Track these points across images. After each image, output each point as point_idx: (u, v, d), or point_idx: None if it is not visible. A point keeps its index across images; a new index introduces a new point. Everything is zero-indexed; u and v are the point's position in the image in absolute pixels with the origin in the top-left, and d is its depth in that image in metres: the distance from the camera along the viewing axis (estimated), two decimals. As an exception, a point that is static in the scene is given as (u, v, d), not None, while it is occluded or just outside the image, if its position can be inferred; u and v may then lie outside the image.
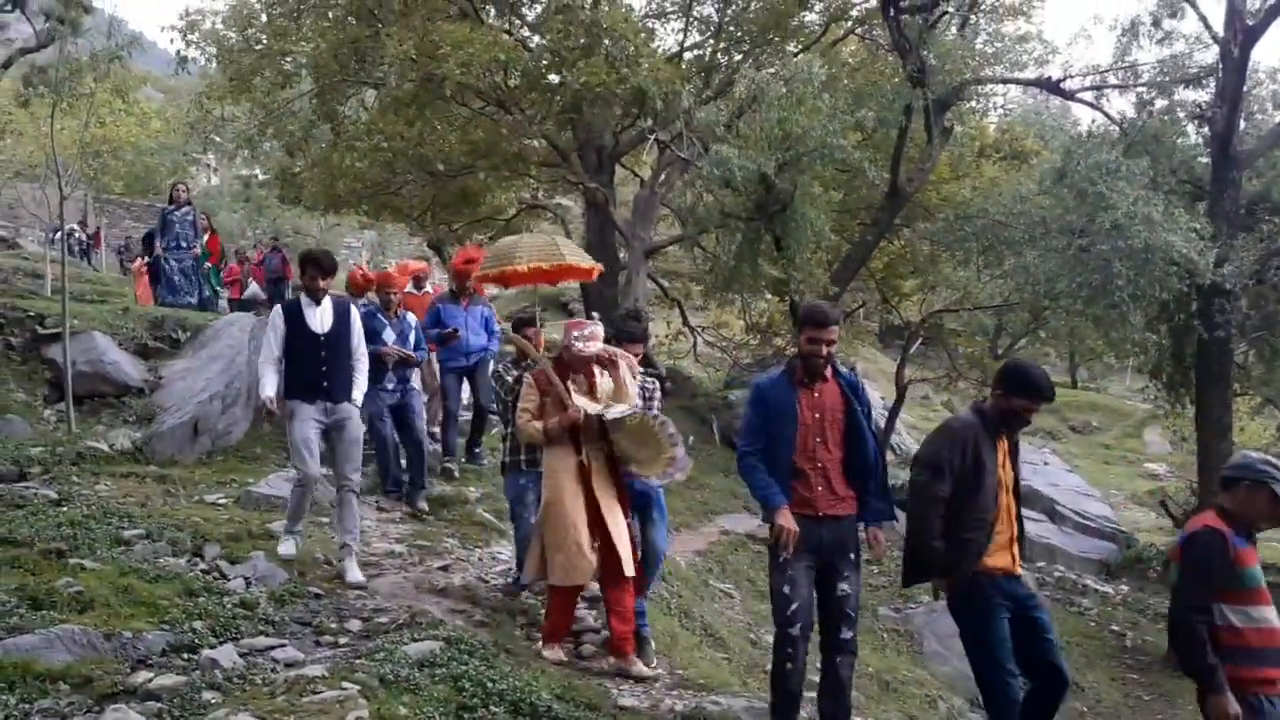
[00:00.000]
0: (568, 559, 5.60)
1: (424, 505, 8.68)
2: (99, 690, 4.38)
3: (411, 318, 8.95)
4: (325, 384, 6.44)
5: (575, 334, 5.89)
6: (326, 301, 6.52)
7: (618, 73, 12.05)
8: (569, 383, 5.84)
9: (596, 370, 5.92)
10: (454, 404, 9.76)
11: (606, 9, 13.07)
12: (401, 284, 8.50)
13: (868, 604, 11.13)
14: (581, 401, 5.76)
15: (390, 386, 8.62)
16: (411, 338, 8.80)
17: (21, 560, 5.63)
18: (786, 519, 4.76)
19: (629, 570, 5.69)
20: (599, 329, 5.96)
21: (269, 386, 6.41)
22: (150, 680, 4.48)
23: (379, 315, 8.65)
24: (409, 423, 8.73)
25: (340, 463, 6.54)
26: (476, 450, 10.19)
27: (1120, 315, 11.28)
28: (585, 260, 7.17)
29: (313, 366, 6.43)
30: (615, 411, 5.73)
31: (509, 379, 6.65)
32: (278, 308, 6.63)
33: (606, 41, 12.10)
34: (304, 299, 6.53)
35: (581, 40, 12.16)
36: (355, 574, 6.45)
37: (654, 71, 12.41)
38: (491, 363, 9.04)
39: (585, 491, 5.69)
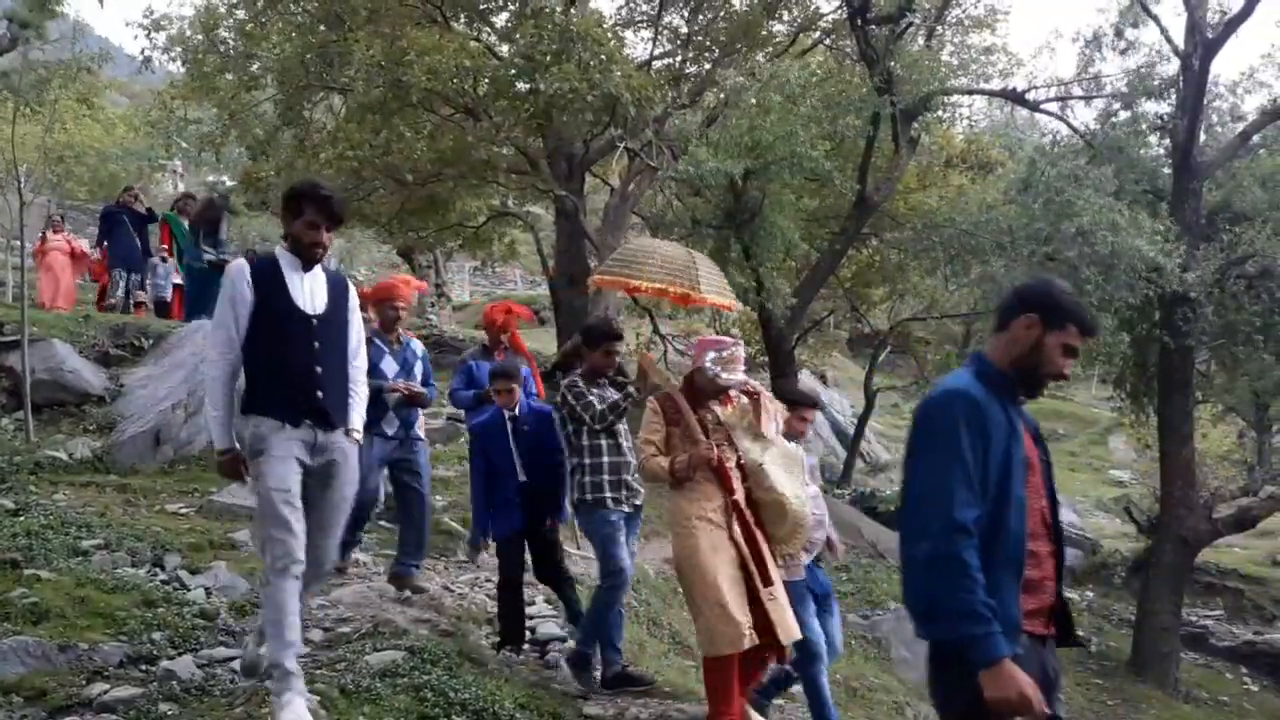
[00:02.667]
0: (710, 624, 4.70)
1: (424, 584, 6.71)
2: (53, 703, 4.32)
3: (418, 345, 6.95)
4: (319, 393, 4.13)
5: (713, 355, 4.98)
6: (319, 271, 4.30)
7: (590, 79, 12.03)
8: (701, 413, 5.01)
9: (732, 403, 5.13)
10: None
11: (578, 16, 13.06)
12: (408, 298, 6.83)
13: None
14: (745, 444, 4.94)
15: (390, 432, 6.55)
16: (418, 369, 6.71)
17: (-25, 571, 5.54)
18: (1029, 688, 2.58)
19: (784, 636, 4.83)
20: (741, 350, 5.06)
21: (224, 427, 4.11)
22: (106, 692, 4.43)
23: (378, 339, 6.54)
24: (410, 484, 6.68)
25: (313, 532, 4.14)
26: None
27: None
28: (723, 295, 5.79)
29: (299, 366, 4.13)
30: (776, 471, 4.88)
31: (574, 393, 5.61)
32: (240, 264, 4.23)
33: (579, 47, 12.08)
34: (286, 258, 4.21)
35: (554, 46, 12.13)
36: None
37: (626, 78, 12.41)
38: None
39: (730, 543, 4.80)
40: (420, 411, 6.87)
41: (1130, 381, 14.30)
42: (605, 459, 5.53)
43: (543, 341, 20.82)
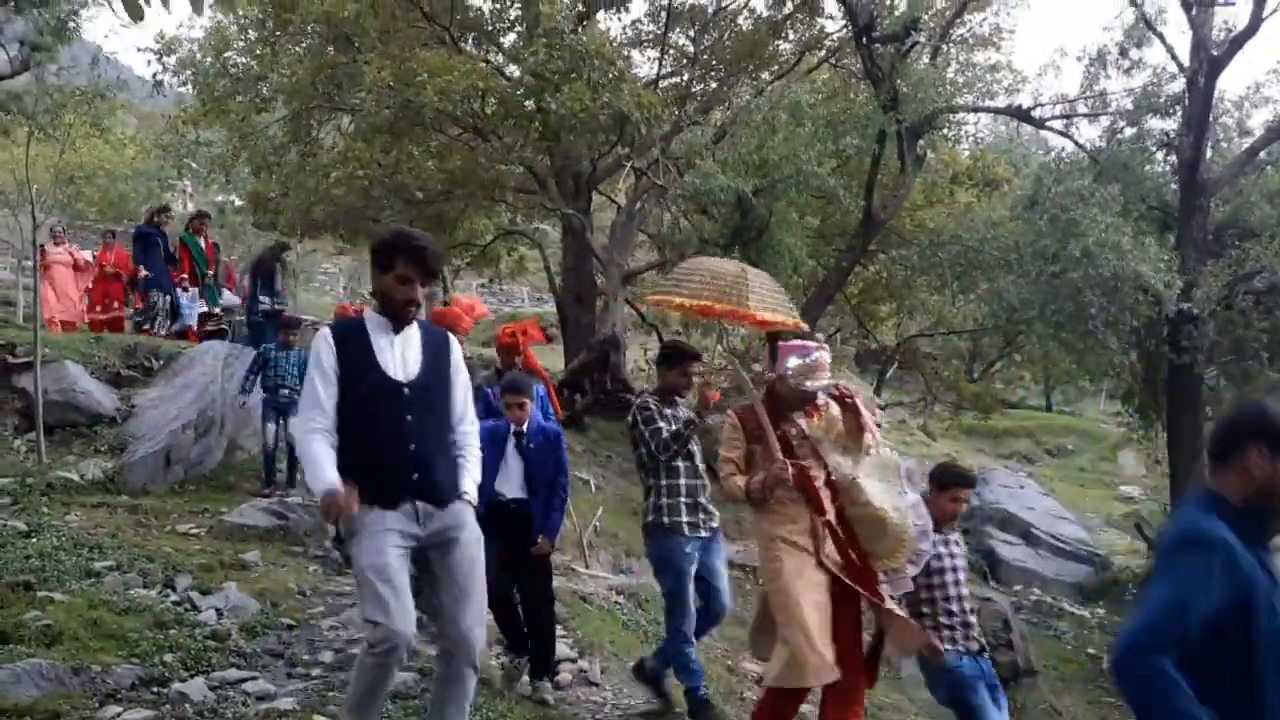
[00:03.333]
0: (791, 653, 4.30)
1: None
2: (66, 726, 4.33)
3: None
4: (415, 474, 3.69)
5: (795, 361, 4.59)
6: (414, 328, 3.82)
7: (600, 98, 12.11)
8: (786, 426, 4.59)
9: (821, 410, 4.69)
10: None
11: (585, 35, 13.17)
12: (466, 327, 6.47)
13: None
14: (835, 458, 4.53)
15: None
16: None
17: (-12, 593, 5.57)
18: None
19: (899, 648, 4.64)
20: (826, 355, 4.65)
21: (325, 469, 3.60)
22: (119, 715, 4.45)
23: None
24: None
25: (449, 606, 3.70)
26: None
27: (1098, 341, 11.43)
28: (777, 312, 5.21)
29: (391, 443, 3.69)
30: (871, 485, 4.49)
31: (643, 417, 5.34)
32: (324, 333, 3.83)
33: (590, 66, 12.18)
34: (374, 320, 3.80)
35: (564, 65, 12.23)
36: None
37: (636, 97, 12.49)
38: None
39: (818, 567, 4.43)
40: None
41: (1139, 397, 14.28)
42: (682, 481, 5.30)
43: (550, 358, 20.87)
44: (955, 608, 4.83)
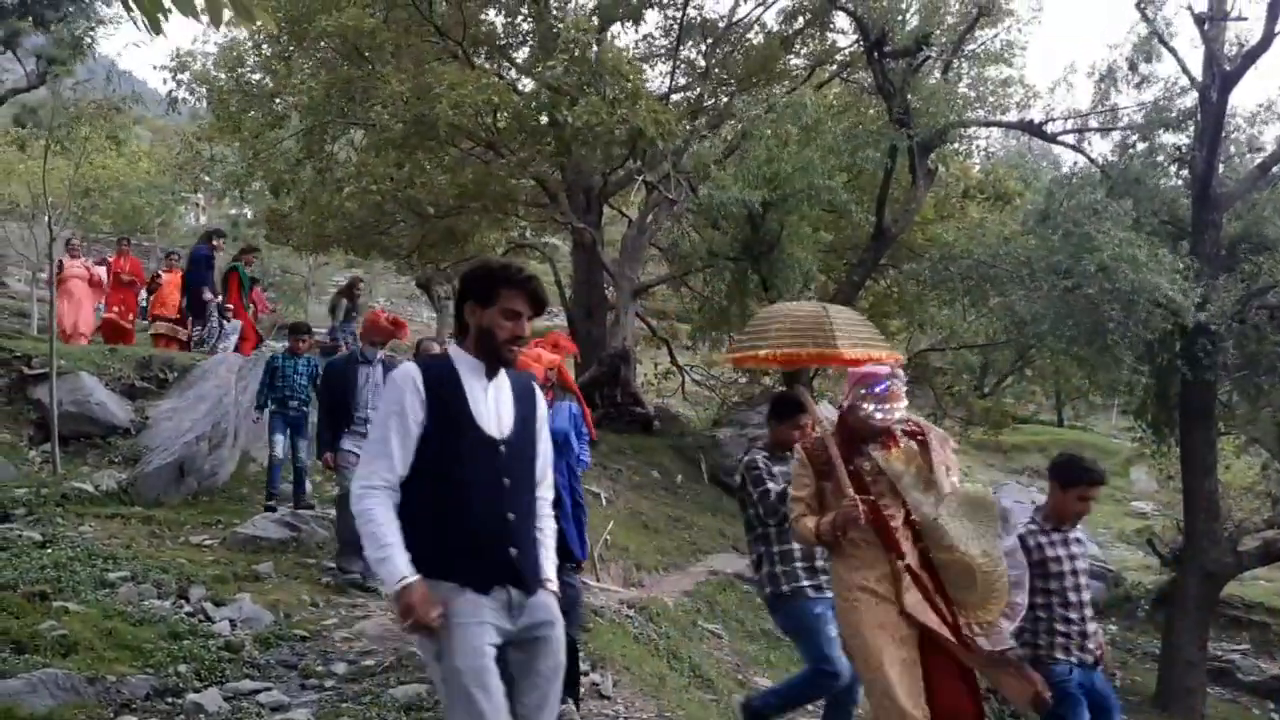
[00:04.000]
0: (876, 714, 4.03)
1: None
2: (82, 736, 4.35)
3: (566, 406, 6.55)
4: (514, 550, 3.09)
5: (864, 391, 4.16)
6: (503, 374, 3.25)
7: (616, 112, 12.18)
8: (859, 461, 4.17)
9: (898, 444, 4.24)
10: None
11: (601, 50, 13.24)
12: (553, 362, 6.20)
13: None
14: (915, 496, 4.10)
15: None
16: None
17: (5, 603, 5.60)
18: None
19: (1018, 700, 4.24)
20: (900, 384, 4.22)
21: (395, 553, 2.94)
22: (134, 725, 4.45)
23: None
24: None
25: (530, 712, 3.14)
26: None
27: (1114, 357, 11.40)
28: (869, 345, 4.66)
29: (487, 512, 3.09)
30: (958, 526, 4.06)
31: (751, 477, 4.98)
32: (409, 370, 3.16)
33: (606, 80, 12.25)
34: (465, 362, 3.17)
35: (581, 79, 12.31)
36: None
37: (652, 112, 12.55)
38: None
39: (901, 617, 4.00)
40: None
41: (1152, 412, 14.21)
42: (795, 545, 4.85)
43: (561, 372, 20.88)
44: (1074, 615, 4.52)
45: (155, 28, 3.40)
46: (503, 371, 3.21)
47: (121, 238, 16.97)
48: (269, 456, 9.35)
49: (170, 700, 4.83)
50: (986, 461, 25.55)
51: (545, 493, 3.31)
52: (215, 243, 14.23)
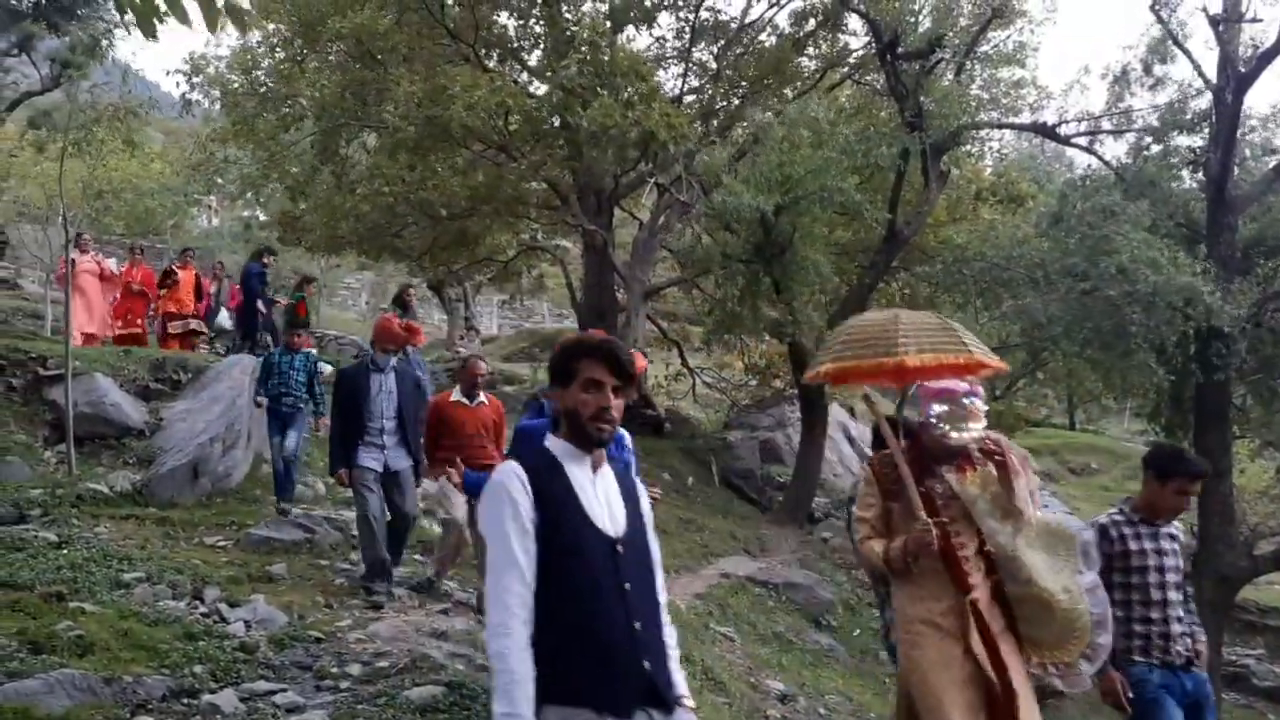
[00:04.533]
0: None
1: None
2: (99, 736, 4.36)
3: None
4: (647, 663, 2.70)
5: (940, 407, 3.87)
6: (606, 468, 2.89)
7: (630, 114, 12.18)
8: (931, 482, 3.85)
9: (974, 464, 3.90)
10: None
11: (615, 51, 13.25)
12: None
13: (869, 648, 11.08)
14: (991, 524, 3.75)
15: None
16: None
17: (22, 604, 5.62)
18: None
19: None
20: (980, 400, 3.89)
21: (521, 703, 2.51)
22: (151, 726, 4.47)
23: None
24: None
25: None
26: None
27: (1140, 361, 11.36)
28: (944, 350, 4.34)
29: (612, 623, 2.69)
30: (1036, 559, 3.72)
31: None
32: (512, 469, 2.76)
33: (620, 81, 12.26)
34: (560, 448, 2.82)
35: (593, 80, 12.32)
36: None
37: (665, 115, 12.56)
38: None
39: (967, 656, 3.66)
40: None
41: (1166, 416, 14.14)
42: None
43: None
44: (1155, 614, 4.25)
45: (149, 32, 3.42)
46: (605, 465, 2.86)
47: (135, 246, 16.91)
48: (273, 461, 9.31)
49: (186, 701, 4.84)
50: (998, 464, 25.47)
51: (664, 597, 2.91)
52: (266, 260, 14.31)
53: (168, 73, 45.25)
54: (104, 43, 12.88)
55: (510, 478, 2.69)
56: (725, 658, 9.46)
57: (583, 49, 12.55)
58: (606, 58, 12.56)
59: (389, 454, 7.20)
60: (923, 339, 4.11)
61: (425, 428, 7.45)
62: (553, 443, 2.82)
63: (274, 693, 5.05)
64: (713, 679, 8.24)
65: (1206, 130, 12.91)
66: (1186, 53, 13.02)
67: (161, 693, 4.87)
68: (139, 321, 14.50)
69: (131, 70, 15.10)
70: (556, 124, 14.26)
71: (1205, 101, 12.96)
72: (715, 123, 16.50)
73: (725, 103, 17.06)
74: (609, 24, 13.98)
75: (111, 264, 14.84)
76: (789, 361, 15.50)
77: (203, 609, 6.30)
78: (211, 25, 3.56)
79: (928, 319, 4.41)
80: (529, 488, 2.68)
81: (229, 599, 6.52)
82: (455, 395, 7.42)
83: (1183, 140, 13.21)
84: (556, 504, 2.69)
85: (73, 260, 13.60)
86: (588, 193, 16.11)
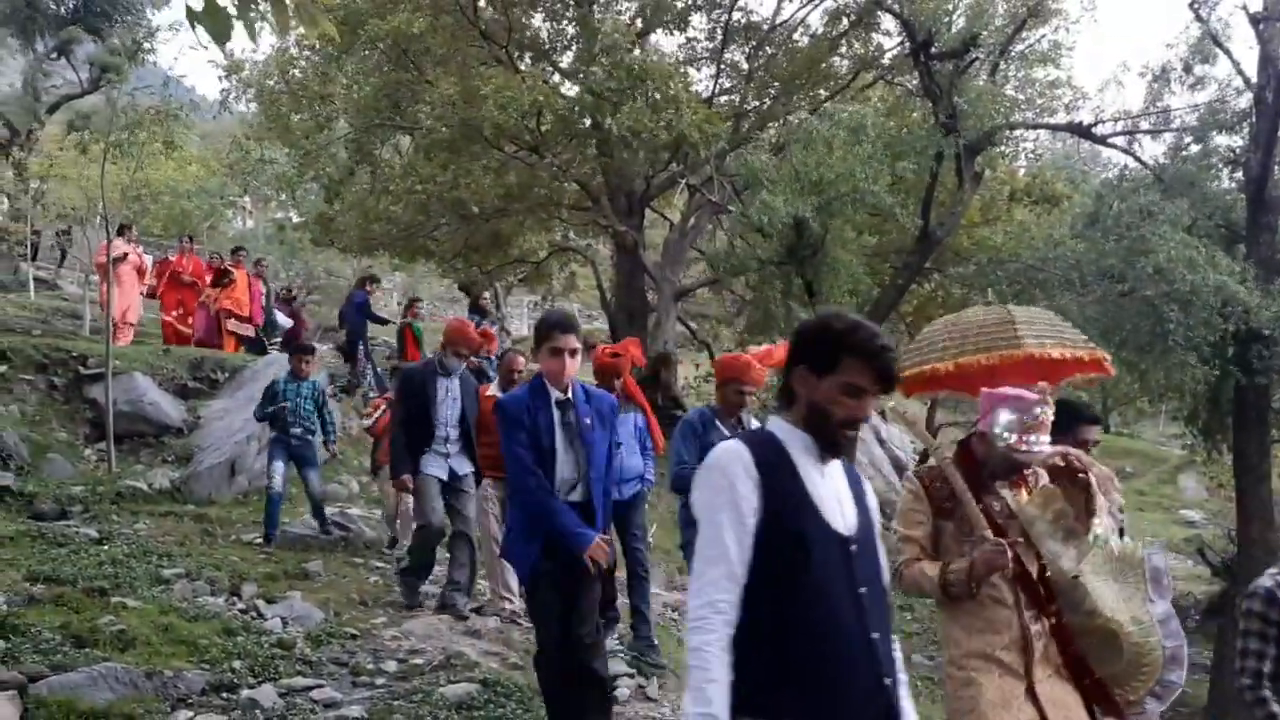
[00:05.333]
0: None
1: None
2: (142, 730, 4.43)
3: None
4: (887, 680, 2.42)
5: (1007, 416, 3.34)
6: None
7: (661, 117, 12.20)
8: (988, 499, 3.39)
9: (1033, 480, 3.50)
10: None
11: (643, 55, 13.28)
12: (760, 381, 5.61)
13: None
14: (1052, 546, 3.33)
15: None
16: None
17: (65, 598, 5.72)
18: None
19: None
20: (1049, 410, 3.39)
21: (715, 699, 2.26)
22: (191, 719, 4.52)
23: (720, 423, 5.61)
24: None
25: None
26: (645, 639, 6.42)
27: (1178, 360, 11.25)
28: (1066, 344, 4.06)
29: (847, 633, 2.39)
30: (1102, 587, 3.32)
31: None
32: (737, 449, 2.45)
33: (650, 84, 12.29)
34: (795, 438, 2.49)
35: (622, 85, 12.35)
36: None
37: (696, 120, 12.57)
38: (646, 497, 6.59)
39: (1029, 697, 3.25)
40: None
41: (1203, 418, 13.98)
42: None
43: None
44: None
45: (221, 40, 3.47)
46: (834, 459, 2.51)
47: (184, 235, 16.89)
48: (266, 488, 8.29)
49: (225, 695, 4.91)
50: (1031, 468, 25.26)
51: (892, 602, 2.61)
52: (369, 287, 14.41)
53: (210, 63, 45.83)
54: (145, 46, 13.05)
55: (733, 460, 2.37)
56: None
57: (611, 51, 12.58)
58: (631, 61, 12.58)
59: (453, 461, 6.90)
60: (1043, 332, 3.84)
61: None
62: (781, 429, 2.47)
63: (311, 689, 5.10)
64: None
65: (1246, 130, 12.76)
66: (1226, 52, 12.88)
67: (201, 687, 4.94)
68: (189, 320, 14.16)
69: (172, 75, 15.31)
70: (588, 124, 14.30)
71: (1245, 101, 12.81)
72: (746, 125, 16.47)
73: (758, 103, 17.02)
74: (640, 26, 14.02)
75: (149, 260, 14.74)
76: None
77: (240, 605, 6.39)
78: (283, 28, 3.62)
79: (1040, 312, 4.12)
80: (755, 473, 2.35)
81: (266, 596, 6.60)
82: (493, 389, 7.23)
83: (1222, 140, 13.06)
84: (783, 494, 2.36)
85: (115, 246, 13.03)
86: (619, 194, 16.14)
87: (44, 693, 4.46)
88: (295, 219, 28.43)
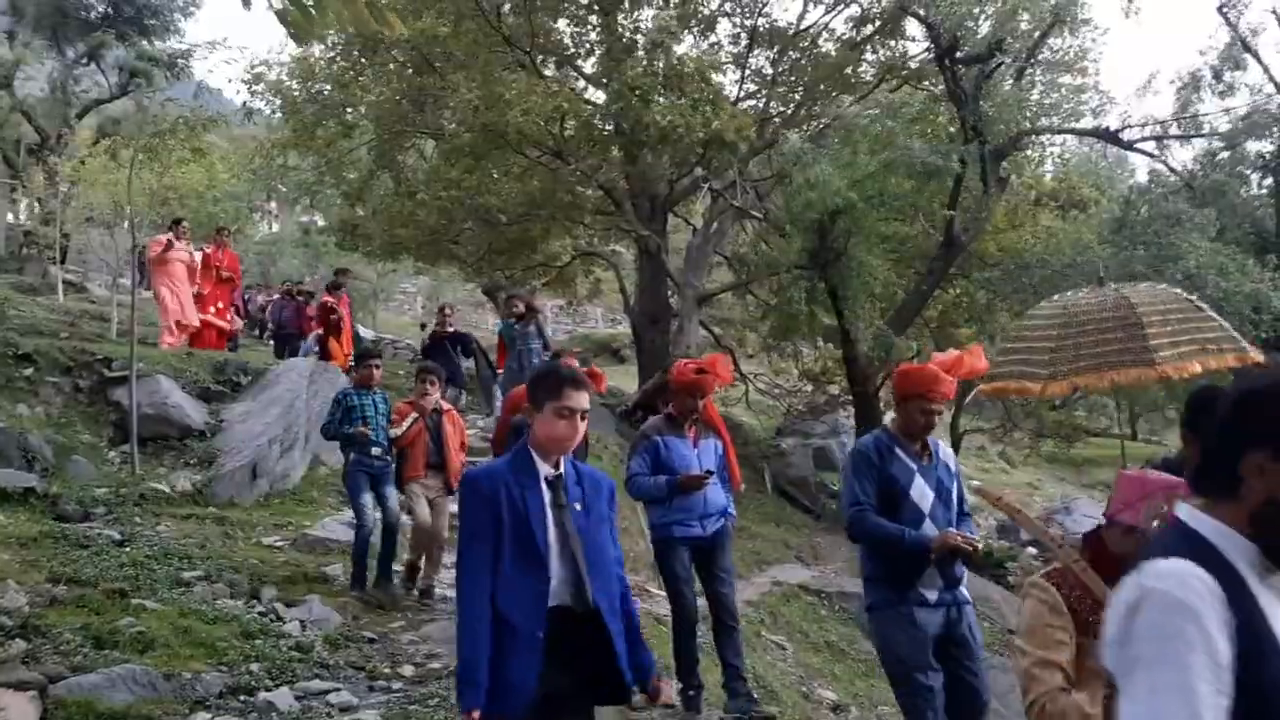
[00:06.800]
0: None
1: None
2: (159, 731, 4.44)
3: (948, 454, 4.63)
4: None
5: (1157, 507, 2.70)
6: None
7: (701, 115, 12.20)
8: None
9: None
10: (693, 603, 5.70)
11: (679, 52, 13.30)
12: (949, 394, 4.57)
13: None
14: None
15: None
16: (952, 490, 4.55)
17: (86, 600, 5.75)
18: None
19: None
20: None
21: None
22: (209, 722, 4.54)
23: (901, 451, 4.38)
24: None
25: None
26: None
27: None
28: (1211, 348, 3.48)
29: None
30: None
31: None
32: (1188, 575, 1.64)
33: (687, 84, 12.31)
34: (1240, 551, 1.70)
35: (658, 80, 12.38)
36: None
37: (733, 119, 12.57)
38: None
39: None
40: None
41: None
42: None
43: (623, 378, 20.93)
44: None
45: (303, 37, 3.49)
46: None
47: (221, 227, 15.86)
48: (357, 527, 7.21)
49: (243, 698, 4.92)
50: (1058, 475, 25.02)
51: None
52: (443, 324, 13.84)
53: (229, 80, 46.38)
54: (180, 63, 13.14)
55: (1195, 590, 1.65)
56: (777, 666, 9.39)
57: (644, 51, 12.59)
58: (664, 62, 12.58)
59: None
60: (1178, 335, 3.12)
61: (498, 427, 6.89)
62: (1220, 534, 1.74)
63: (328, 692, 5.11)
64: (765, 688, 8.18)
65: (1276, 134, 12.63)
66: (1256, 55, 12.75)
67: (219, 689, 4.95)
68: (228, 316, 13.87)
69: (204, 85, 15.41)
70: (611, 129, 14.30)
71: (1275, 104, 12.68)
72: (770, 129, 16.43)
73: (783, 108, 16.98)
74: (676, 23, 14.04)
75: (199, 258, 13.87)
76: (843, 367, 15.35)
77: (260, 608, 6.40)
78: (365, 26, 3.64)
79: (1166, 298, 3.29)
80: (1225, 612, 1.63)
81: (285, 599, 6.61)
82: None
83: (1252, 145, 12.93)
84: (1252, 637, 1.65)
85: (169, 242, 12.76)
86: (642, 198, 16.13)
87: (64, 694, 4.49)
88: (320, 223, 28.62)
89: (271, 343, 16.93)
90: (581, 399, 3.18)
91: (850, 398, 15.43)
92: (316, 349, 14.01)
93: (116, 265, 18.55)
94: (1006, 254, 14.86)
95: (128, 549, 7.02)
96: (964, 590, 4.39)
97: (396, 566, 7.46)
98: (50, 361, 10.38)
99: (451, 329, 13.68)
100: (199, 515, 8.45)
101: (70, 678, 4.64)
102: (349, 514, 8.97)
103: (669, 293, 17.35)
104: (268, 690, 5.00)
